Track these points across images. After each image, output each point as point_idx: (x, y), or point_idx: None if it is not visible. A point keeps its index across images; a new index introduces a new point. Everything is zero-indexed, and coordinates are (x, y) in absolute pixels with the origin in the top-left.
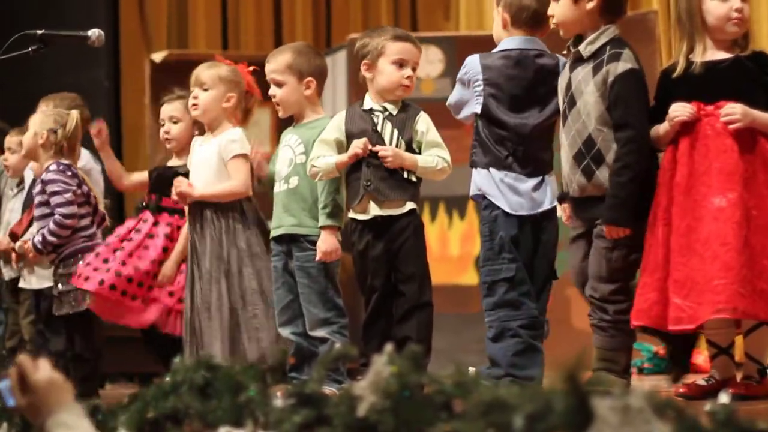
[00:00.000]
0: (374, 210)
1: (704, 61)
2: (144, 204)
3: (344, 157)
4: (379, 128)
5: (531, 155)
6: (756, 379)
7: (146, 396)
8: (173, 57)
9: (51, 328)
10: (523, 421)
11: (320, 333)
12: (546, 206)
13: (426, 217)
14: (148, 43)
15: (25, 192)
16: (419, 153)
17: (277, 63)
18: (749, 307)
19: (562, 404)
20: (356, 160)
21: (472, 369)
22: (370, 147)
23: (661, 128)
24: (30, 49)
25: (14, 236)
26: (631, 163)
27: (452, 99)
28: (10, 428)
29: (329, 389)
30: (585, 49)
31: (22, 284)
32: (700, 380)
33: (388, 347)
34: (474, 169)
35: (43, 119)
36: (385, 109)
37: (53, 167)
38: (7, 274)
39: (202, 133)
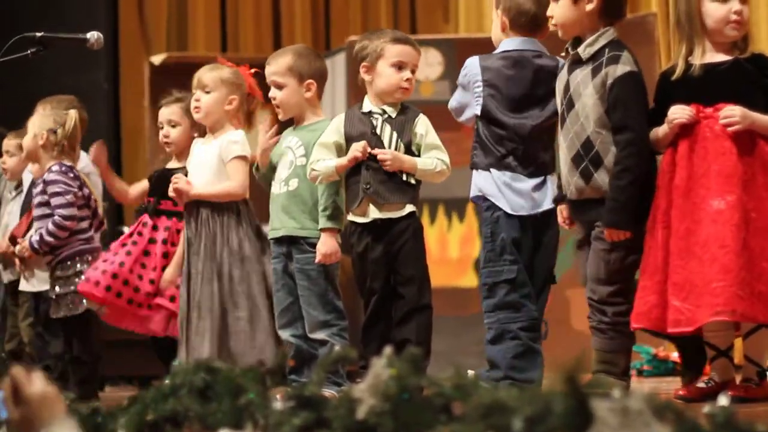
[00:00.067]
0: (373, 213)
1: (703, 64)
2: (143, 207)
3: (344, 161)
4: (378, 131)
5: (531, 155)
6: (755, 381)
7: (146, 398)
8: (172, 59)
9: (50, 330)
10: (523, 424)
11: (320, 335)
12: (546, 206)
13: (425, 220)
14: (147, 46)
15: (23, 195)
16: (418, 155)
17: (277, 65)
18: (748, 309)
19: (562, 406)
20: (356, 163)
21: (471, 372)
22: (369, 150)
23: (660, 131)
24: (29, 51)
25: (14, 240)
26: (631, 166)
27: (453, 103)
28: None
29: (329, 392)
30: (584, 51)
31: (22, 287)
32: (699, 382)
33: (388, 350)
34: (474, 171)
35: (42, 120)
36: (384, 112)
37: (55, 168)
38: (6, 277)
39: (202, 135)
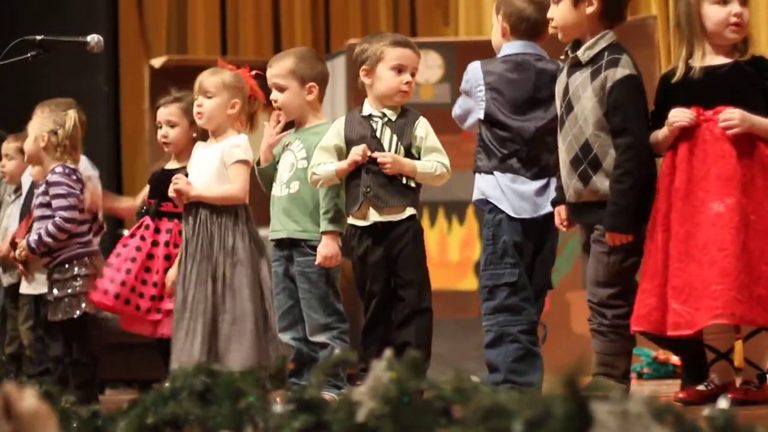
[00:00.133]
0: (374, 216)
1: (703, 66)
2: (144, 209)
3: (344, 165)
4: (378, 134)
5: (535, 157)
6: (755, 384)
7: (146, 402)
8: (172, 62)
9: (50, 333)
10: (523, 427)
11: (320, 338)
12: (547, 209)
13: (425, 223)
14: (147, 49)
15: (22, 198)
16: (418, 158)
17: (279, 68)
18: (747, 312)
19: (562, 409)
20: (356, 167)
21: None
22: (369, 153)
23: (660, 133)
24: (29, 54)
25: (15, 244)
26: (631, 170)
27: (457, 110)
28: None
29: (329, 395)
30: (583, 54)
31: (23, 289)
32: (699, 385)
33: (388, 353)
34: (477, 175)
35: (41, 122)
36: (384, 115)
37: (59, 170)
38: (6, 280)
39: (203, 138)
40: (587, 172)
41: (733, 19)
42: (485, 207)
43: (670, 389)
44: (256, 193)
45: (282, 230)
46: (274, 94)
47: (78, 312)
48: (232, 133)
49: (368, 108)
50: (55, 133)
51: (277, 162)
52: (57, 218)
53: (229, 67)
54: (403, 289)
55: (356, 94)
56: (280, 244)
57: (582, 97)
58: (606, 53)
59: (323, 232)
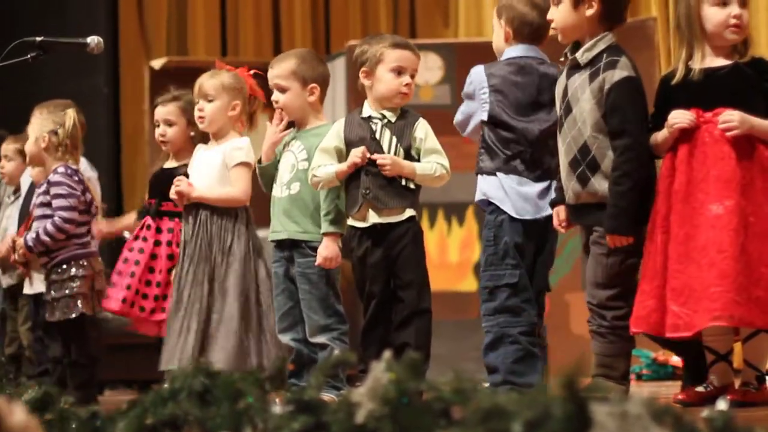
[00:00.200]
0: (373, 218)
1: (703, 68)
2: (145, 209)
3: (344, 167)
4: (377, 136)
5: (538, 159)
6: (754, 385)
7: (145, 402)
8: (172, 64)
9: (49, 334)
10: (522, 428)
11: (320, 339)
12: (549, 211)
13: (425, 224)
14: (147, 50)
15: (21, 199)
16: (418, 160)
17: (281, 69)
18: (745, 314)
19: (561, 411)
20: (355, 168)
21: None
22: (368, 155)
23: (660, 135)
24: (29, 56)
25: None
26: (630, 172)
27: (459, 116)
28: None
29: (328, 396)
30: (582, 56)
31: (26, 290)
32: (698, 387)
33: (387, 354)
34: (480, 176)
35: (41, 123)
36: (384, 117)
37: (61, 170)
38: (6, 281)
39: (202, 138)
40: (586, 173)
41: (733, 21)
42: (487, 208)
43: (670, 391)
44: (257, 194)
45: (282, 231)
46: (276, 95)
47: (75, 313)
48: (233, 135)
49: (368, 109)
50: (56, 133)
51: (279, 161)
52: (56, 218)
53: (227, 67)
54: (403, 291)
55: (356, 95)
56: (281, 245)
57: (580, 98)
58: (605, 55)
59: (324, 234)
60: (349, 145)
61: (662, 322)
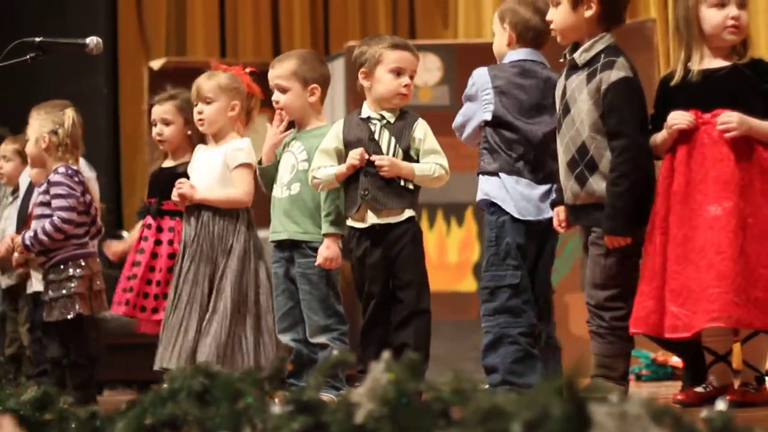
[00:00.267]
0: (372, 218)
1: (702, 69)
2: (145, 209)
3: (343, 168)
4: (376, 136)
5: (541, 162)
6: (753, 386)
7: (144, 402)
8: (171, 64)
9: (47, 334)
10: (521, 428)
11: (320, 339)
12: (550, 214)
13: (424, 224)
14: (146, 51)
15: (20, 200)
16: (417, 160)
17: (282, 69)
18: (744, 315)
19: (560, 411)
20: (355, 170)
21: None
22: (366, 156)
23: (659, 136)
24: (28, 56)
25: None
26: (627, 172)
27: (458, 119)
28: None
29: (327, 396)
30: (580, 56)
31: (29, 290)
32: (698, 387)
33: (386, 354)
34: (481, 176)
35: (40, 123)
36: (383, 117)
37: (62, 170)
38: (5, 282)
39: (199, 137)
40: (584, 174)
41: (731, 22)
42: (488, 209)
43: (669, 391)
44: (257, 195)
45: (283, 231)
46: (276, 95)
47: (73, 313)
48: (233, 135)
49: (367, 110)
50: (56, 133)
51: (279, 162)
52: (55, 218)
53: (223, 67)
54: (402, 291)
55: (355, 96)
56: (281, 245)
57: (578, 99)
58: (602, 56)
59: (325, 235)
60: (348, 145)
61: (661, 322)
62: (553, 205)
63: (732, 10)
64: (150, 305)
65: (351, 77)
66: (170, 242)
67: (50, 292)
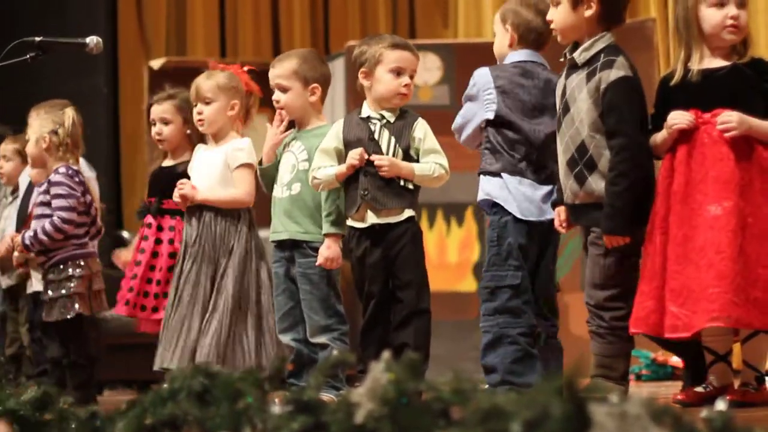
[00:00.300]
0: (372, 218)
1: (701, 69)
2: (146, 208)
3: (343, 168)
4: (376, 136)
5: (543, 163)
6: (753, 386)
7: (144, 402)
8: (171, 64)
9: (47, 334)
10: (521, 428)
11: (321, 339)
12: (552, 215)
13: (424, 224)
14: (146, 50)
15: (19, 200)
16: (417, 160)
17: (282, 68)
18: (743, 315)
19: (560, 411)
20: (354, 170)
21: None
22: (366, 156)
23: (659, 136)
24: (28, 56)
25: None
26: (626, 171)
27: (458, 120)
28: None
29: (327, 396)
30: (580, 55)
31: (29, 290)
32: (698, 387)
33: (386, 354)
34: (482, 177)
35: (40, 124)
36: (383, 117)
37: (62, 170)
38: (5, 282)
39: (199, 136)
40: (583, 173)
41: (730, 22)
42: (490, 209)
43: (669, 391)
44: (257, 194)
45: (283, 231)
46: (277, 95)
47: (72, 313)
48: (233, 135)
49: (367, 110)
50: (56, 132)
51: (279, 162)
52: (55, 218)
53: (220, 67)
54: (402, 291)
55: (355, 95)
56: (281, 245)
57: (578, 98)
58: (602, 55)
59: (325, 235)
60: (348, 145)
61: (661, 322)
62: (554, 206)
63: (731, 10)
64: (150, 304)
65: (351, 77)
66: (171, 241)
67: (50, 292)
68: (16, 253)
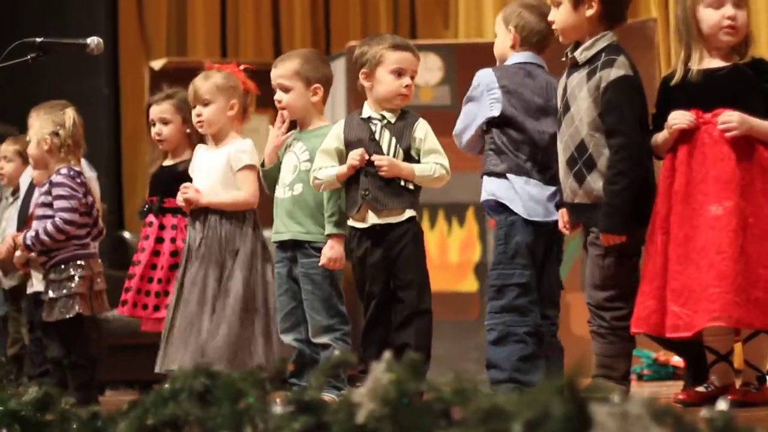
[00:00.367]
0: (372, 219)
1: (702, 69)
2: (147, 208)
3: (343, 169)
4: (377, 136)
5: (548, 163)
6: (755, 386)
7: (146, 403)
8: (172, 64)
9: (48, 335)
10: (522, 428)
11: (323, 339)
12: (557, 216)
13: (425, 224)
14: (147, 51)
15: (20, 201)
16: (418, 160)
17: (284, 68)
18: (744, 315)
19: (561, 411)
20: (355, 170)
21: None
22: (366, 157)
23: (660, 136)
24: (29, 57)
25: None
26: (625, 170)
27: (458, 126)
28: None
29: (329, 396)
30: (581, 54)
31: (29, 290)
32: (699, 387)
33: (387, 354)
34: (487, 177)
35: (41, 125)
36: (384, 117)
37: (64, 171)
38: (7, 283)
39: (201, 139)
40: (582, 171)
41: (727, 22)
42: (494, 210)
43: (671, 391)
44: (259, 196)
45: (286, 232)
46: (279, 95)
47: (72, 313)
48: (233, 135)
49: (367, 110)
50: (57, 134)
51: (281, 162)
52: (57, 219)
53: (216, 67)
54: (403, 291)
55: (356, 96)
56: (284, 245)
57: (578, 97)
58: (603, 54)
59: (329, 235)
60: (349, 146)
61: (662, 322)
62: (557, 207)
63: (728, 10)
64: (152, 303)
65: (352, 77)
66: (173, 240)
67: (51, 292)
68: (17, 253)
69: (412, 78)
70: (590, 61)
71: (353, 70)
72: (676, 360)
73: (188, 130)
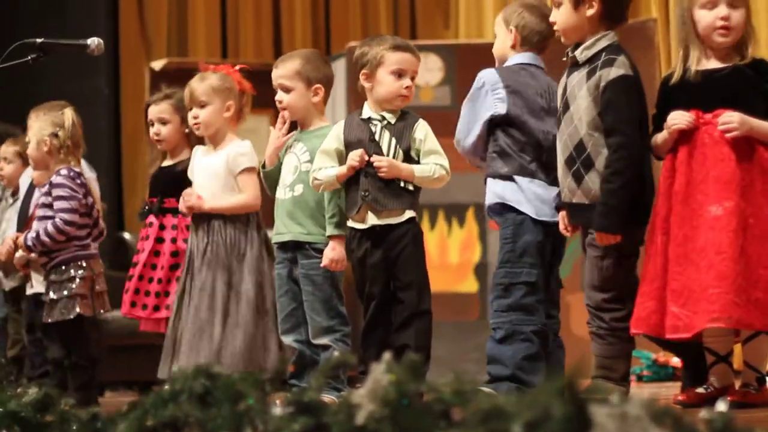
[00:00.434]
0: (372, 219)
1: (701, 70)
2: (147, 208)
3: (343, 170)
4: (377, 137)
5: (552, 164)
6: (754, 387)
7: (145, 404)
8: (173, 65)
9: (48, 335)
10: (522, 429)
11: (323, 341)
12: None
13: (425, 225)
14: (147, 51)
15: (20, 202)
16: (418, 161)
17: (285, 69)
18: (744, 316)
19: (560, 412)
20: (355, 171)
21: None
22: (366, 158)
23: (660, 137)
24: (29, 57)
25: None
26: (622, 170)
27: (459, 130)
28: None
29: (328, 397)
30: (581, 54)
31: (29, 291)
32: (698, 388)
33: (387, 355)
34: (491, 179)
35: (41, 126)
36: (384, 118)
37: (64, 172)
38: (8, 284)
39: (200, 140)
40: (580, 171)
41: (720, 23)
42: (498, 213)
43: (670, 392)
44: (260, 197)
45: (287, 233)
46: (280, 95)
47: (73, 314)
48: (231, 137)
49: (368, 111)
50: (56, 135)
51: (282, 164)
52: (57, 219)
53: (211, 68)
54: (403, 292)
55: (356, 96)
56: (284, 246)
57: (578, 96)
58: (603, 54)
59: (330, 236)
60: (349, 146)
61: (662, 323)
62: (557, 209)
63: (722, 11)
64: (151, 303)
65: (352, 78)
66: (173, 240)
67: (51, 293)
68: (18, 254)
69: (413, 79)
70: (590, 61)
71: (353, 71)
72: (676, 361)
73: (187, 130)
